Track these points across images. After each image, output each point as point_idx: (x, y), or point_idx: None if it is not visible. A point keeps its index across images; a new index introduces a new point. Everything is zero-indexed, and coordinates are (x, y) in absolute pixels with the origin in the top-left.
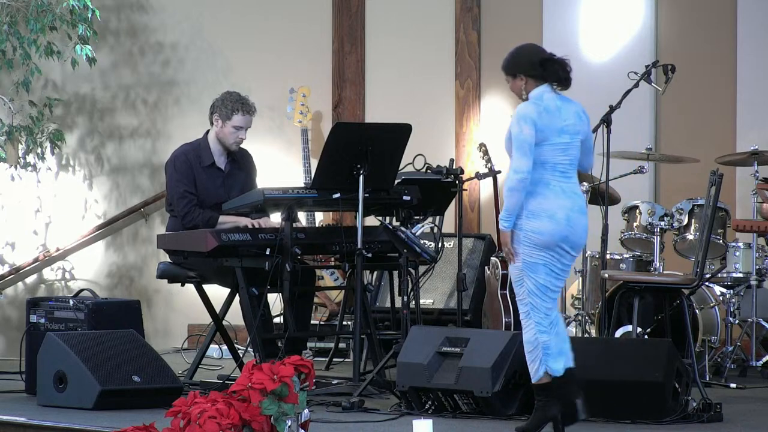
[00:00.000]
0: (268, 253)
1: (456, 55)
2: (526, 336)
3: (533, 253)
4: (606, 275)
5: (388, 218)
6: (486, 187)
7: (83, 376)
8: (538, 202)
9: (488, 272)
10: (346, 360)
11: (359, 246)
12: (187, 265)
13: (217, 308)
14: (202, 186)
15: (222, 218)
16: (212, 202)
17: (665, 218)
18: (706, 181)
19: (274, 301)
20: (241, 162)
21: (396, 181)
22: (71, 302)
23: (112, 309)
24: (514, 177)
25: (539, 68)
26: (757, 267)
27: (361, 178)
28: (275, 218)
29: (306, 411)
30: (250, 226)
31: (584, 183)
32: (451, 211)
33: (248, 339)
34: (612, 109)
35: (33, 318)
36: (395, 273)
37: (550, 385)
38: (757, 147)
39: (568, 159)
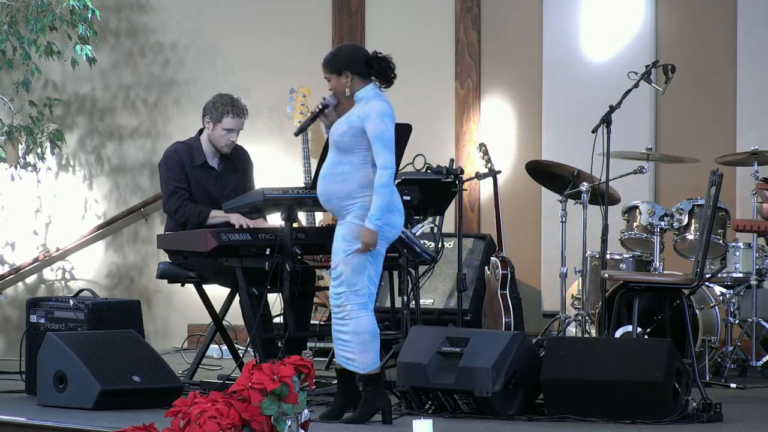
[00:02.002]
0: (268, 253)
1: (456, 55)
2: (362, 326)
3: (382, 246)
4: (606, 275)
5: None
6: (486, 187)
7: (83, 376)
8: (391, 198)
9: (488, 272)
10: None
11: None
12: (187, 265)
13: (217, 308)
14: (195, 184)
15: (213, 212)
16: (205, 201)
17: (665, 218)
18: (706, 181)
19: (274, 301)
20: (235, 161)
21: (396, 181)
22: (71, 302)
23: (112, 309)
24: (385, 173)
25: (365, 66)
26: (757, 267)
27: None
28: (272, 219)
29: (306, 411)
30: (242, 225)
31: (584, 183)
32: (451, 211)
33: (248, 339)
34: (612, 109)
35: (33, 318)
36: (395, 273)
37: (381, 375)
38: (757, 147)
39: None
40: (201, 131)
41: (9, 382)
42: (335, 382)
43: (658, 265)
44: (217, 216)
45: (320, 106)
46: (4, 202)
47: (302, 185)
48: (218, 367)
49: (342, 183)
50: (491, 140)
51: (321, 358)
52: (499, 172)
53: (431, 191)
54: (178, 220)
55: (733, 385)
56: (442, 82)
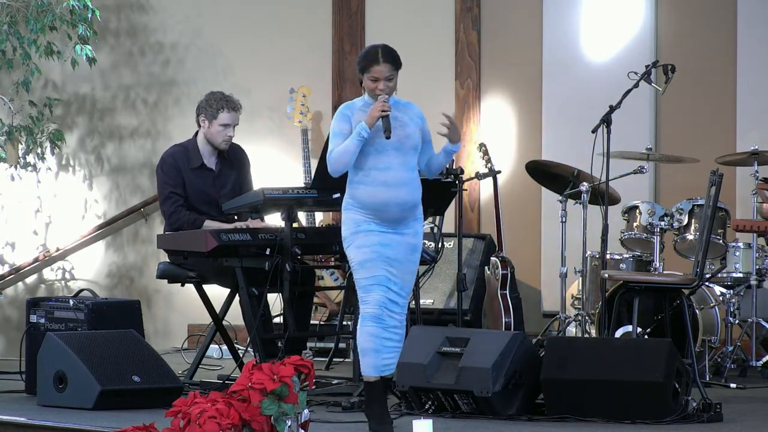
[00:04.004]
0: (268, 253)
1: (456, 55)
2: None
3: None
4: (606, 275)
5: None
6: (486, 187)
7: (83, 376)
8: None
9: (488, 272)
10: (346, 360)
11: None
12: (187, 265)
13: (217, 308)
14: (192, 186)
15: (207, 222)
16: (203, 202)
17: (665, 218)
18: (706, 181)
19: (274, 301)
20: (232, 160)
21: None
22: (71, 302)
23: (112, 309)
24: None
25: None
26: (757, 267)
27: None
28: (270, 220)
29: (306, 411)
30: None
31: (584, 183)
32: (451, 211)
33: (248, 339)
34: (612, 109)
35: (33, 318)
36: None
37: None
38: (757, 147)
39: None
40: (196, 133)
41: (9, 382)
42: (335, 382)
43: (658, 265)
44: (210, 226)
45: (387, 106)
46: (4, 202)
47: (302, 185)
48: (218, 367)
49: (419, 188)
50: (491, 140)
51: (321, 358)
52: (499, 172)
53: (431, 191)
54: (171, 225)
55: (733, 385)
56: (442, 82)
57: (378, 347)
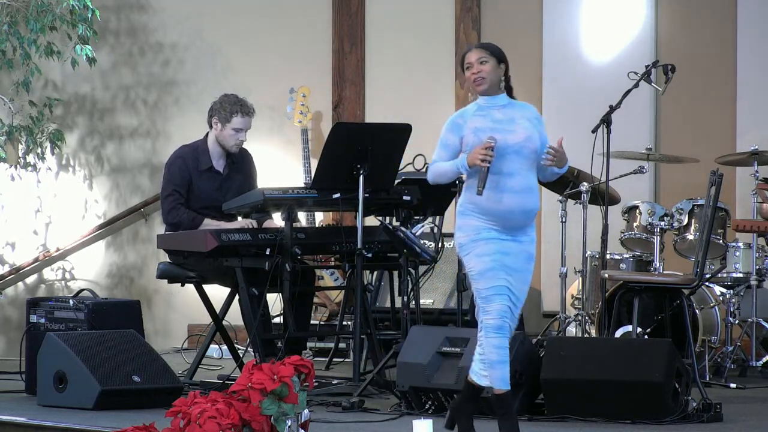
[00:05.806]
0: (268, 253)
1: (456, 55)
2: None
3: None
4: (606, 275)
5: (388, 218)
6: None
7: (83, 376)
8: None
9: None
10: (346, 360)
11: (359, 246)
12: (187, 265)
13: (217, 308)
14: (199, 189)
15: (206, 221)
16: (208, 205)
17: (665, 218)
18: (706, 181)
19: (274, 301)
20: (240, 164)
21: (396, 181)
22: (71, 302)
23: (112, 309)
24: None
25: (506, 73)
26: (757, 267)
27: (361, 178)
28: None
29: (306, 411)
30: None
31: (584, 183)
32: (451, 211)
33: (248, 339)
34: (612, 109)
35: (33, 318)
36: (395, 273)
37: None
38: (757, 147)
39: None
40: (207, 134)
41: (9, 382)
42: (335, 382)
43: (658, 265)
44: (210, 225)
45: (491, 156)
46: (4, 202)
47: (302, 185)
48: (218, 367)
49: (536, 194)
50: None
51: (321, 358)
52: None
53: (431, 191)
54: (170, 221)
55: (733, 385)
56: (442, 82)
57: (505, 358)
